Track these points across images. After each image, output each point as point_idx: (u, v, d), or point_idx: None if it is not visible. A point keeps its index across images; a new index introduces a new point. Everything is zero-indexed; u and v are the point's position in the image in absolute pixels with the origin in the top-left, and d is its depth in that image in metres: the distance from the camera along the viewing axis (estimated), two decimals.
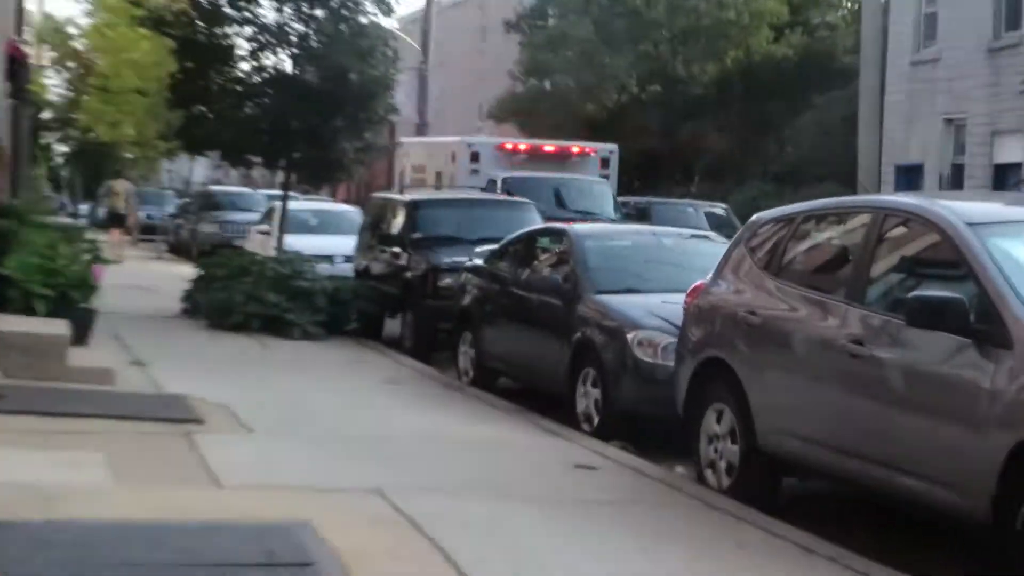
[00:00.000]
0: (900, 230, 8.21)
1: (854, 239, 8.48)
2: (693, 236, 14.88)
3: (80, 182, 40.76)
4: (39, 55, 32.99)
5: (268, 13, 18.86)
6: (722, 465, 9.07)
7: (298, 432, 10.26)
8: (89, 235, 16.61)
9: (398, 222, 18.13)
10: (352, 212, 26.91)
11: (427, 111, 42.07)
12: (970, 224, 7.50)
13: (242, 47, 19.29)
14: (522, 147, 28.87)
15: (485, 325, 14.18)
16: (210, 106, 19.21)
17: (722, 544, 7.44)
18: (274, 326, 16.63)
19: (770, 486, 8.90)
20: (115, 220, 31.97)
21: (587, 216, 23.11)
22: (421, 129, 40.72)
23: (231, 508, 7.38)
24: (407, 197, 18.95)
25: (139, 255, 33.63)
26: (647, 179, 39.66)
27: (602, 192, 25.92)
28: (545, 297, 12.90)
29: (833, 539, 7.62)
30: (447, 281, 16.04)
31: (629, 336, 11.26)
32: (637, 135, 38.73)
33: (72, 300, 13.31)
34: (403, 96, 29.83)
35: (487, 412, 12.14)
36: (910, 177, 29.96)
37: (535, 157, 28.17)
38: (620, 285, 12.31)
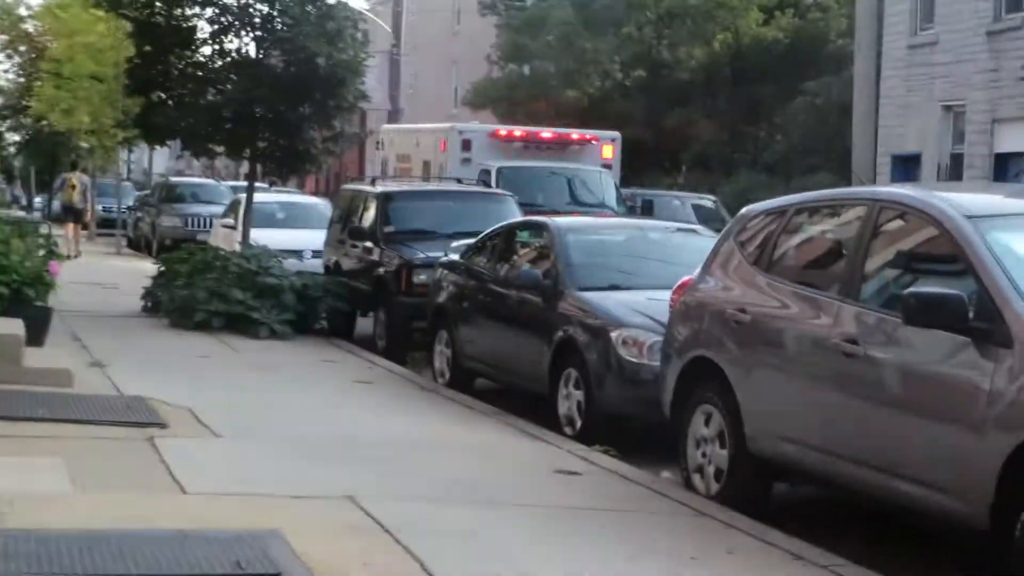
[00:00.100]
0: (896, 223, 8.25)
1: (848, 233, 8.52)
2: (680, 230, 14.97)
3: (34, 173, 40.60)
4: None
5: None
6: (710, 470, 9.13)
7: (265, 436, 10.29)
8: (44, 229, 16.59)
9: (370, 215, 18.12)
10: (321, 205, 26.91)
11: (400, 97, 42.08)
12: (969, 217, 7.56)
13: (203, 29, 19.30)
14: (517, 134, 28.13)
15: (462, 324, 14.22)
16: (170, 92, 19.20)
17: (711, 552, 7.50)
18: (239, 325, 16.63)
19: (760, 491, 8.95)
20: (71, 214, 31.92)
21: (589, 209, 23.02)
22: (393, 116, 40.78)
23: (197, 516, 7.41)
24: (379, 189, 18.96)
25: (97, 250, 33.57)
26: (632, 170, 39.70)
27: (604, 183, 25.59)
28: (525, 294, 12.94)
29: (825, 546, 7.69)
30: (422, 277, 16.05)
31: (613, 335, 11.31)
32: (621, 123, 38.73)
33: (27, 298, 13.29)
34: (374, 82, 29.78)
35: (464, 415, 12.18)
36: (907, 167, 30.08)
37: (531, 145, 27.58)
38: (604, 281, 12.36)
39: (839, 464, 7.93)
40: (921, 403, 7.29)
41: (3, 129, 38.77)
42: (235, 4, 18.99)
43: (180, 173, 62.27)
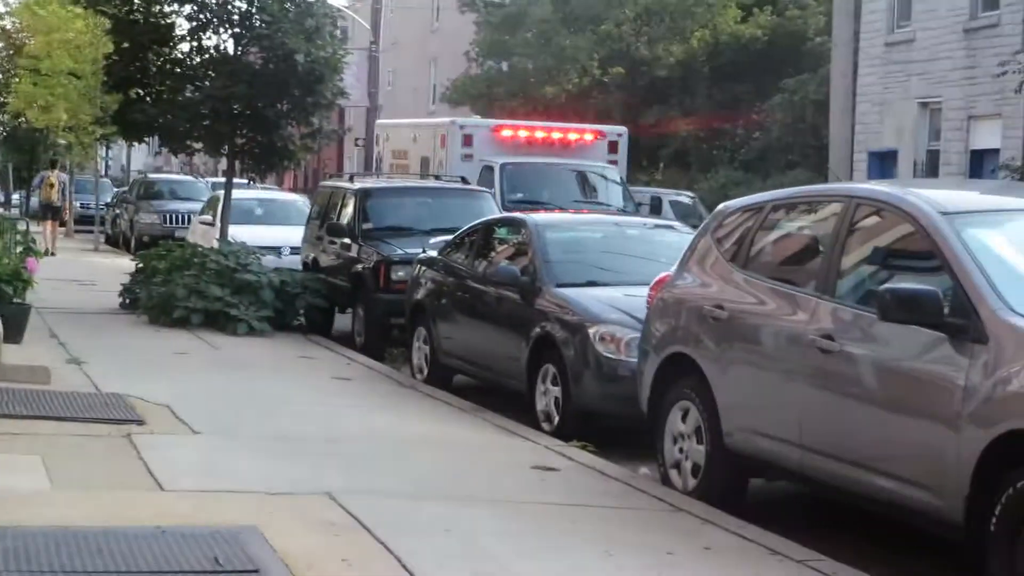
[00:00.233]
0: (872, 220, 8.28)
1: (824, 229, 8.54)
2: (657, 226, 14.99)
3: (11, 170, 40.50)
4: None
5: None
6: (688, 466, 9.14)
7: (244, 433, 10.29)
8: (22, 226, 16.55)
9: (348, 211, 18.12)
10: (300, 201, 26.88)
11: (378, 94, 42.03)
12: (944, 213, 7.58)
13: (182, 26, 19.30)
14: (521, 130, 27.26)
15: (440, 320, 14.22)
16: (148, 89, 19.19)
17: (688, 547, 7.51)
18: (218, 321, 16.61)
19: (737, 487, 8.97)
20: (49, 212, 31.84)
21: (594, 207, 22.89)
22: (372, 114, 40.61)
23: (175, 513, 7.40)
24: (357, 185, 18.95)
25: (75, 247, 33.51)
26: None
27: (610, 180, 25.31)
28: (503, 290, 12.94)
29: (803, 541, 7.70)
30: (400, 274, 16.06)
31: (591, 331, 11.32)
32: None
33: (4, 295, 13.28)
34: (352, 79, 29.59)
35: (443, 411, 12.18)
36: (884, 163, 30.19)
37: (535, 141, 26.72)
38: (581, 278, 12.37)
39: (816, 459, 7.95)
40: (897, 399, 7.31)
41: None
42: (214, 1, 18.98)
43: (159, 170, 62.16)
